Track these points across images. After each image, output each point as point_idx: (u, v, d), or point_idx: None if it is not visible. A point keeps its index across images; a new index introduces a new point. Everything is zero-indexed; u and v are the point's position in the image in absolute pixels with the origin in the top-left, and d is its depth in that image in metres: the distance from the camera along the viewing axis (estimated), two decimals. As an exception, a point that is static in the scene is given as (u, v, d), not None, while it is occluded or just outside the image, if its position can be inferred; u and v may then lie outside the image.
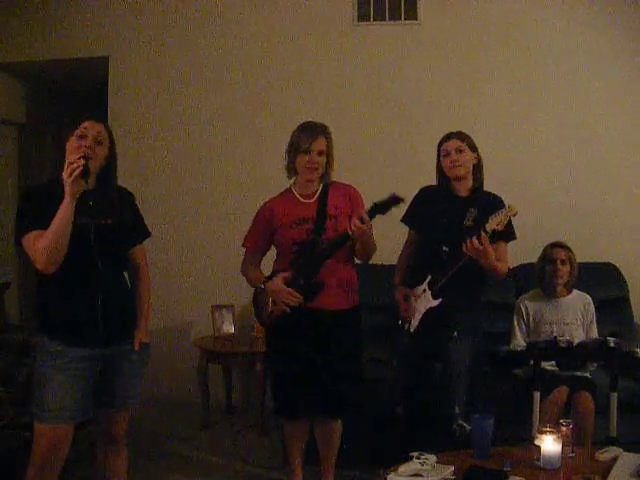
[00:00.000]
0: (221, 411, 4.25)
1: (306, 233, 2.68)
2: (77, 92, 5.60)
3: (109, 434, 2.38)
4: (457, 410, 2.72)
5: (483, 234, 2.54)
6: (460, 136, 2.81)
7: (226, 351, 4.03)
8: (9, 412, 2.80)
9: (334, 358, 2.68)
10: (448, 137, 2.82)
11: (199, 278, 4.52)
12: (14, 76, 5.12)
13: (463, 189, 2.83)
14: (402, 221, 2.93)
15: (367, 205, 2.63)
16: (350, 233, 2.53)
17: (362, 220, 2.50)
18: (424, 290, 2.77)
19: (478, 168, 2.84)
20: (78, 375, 2.17)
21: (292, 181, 2.83)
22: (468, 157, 2.78)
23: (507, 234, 2.74)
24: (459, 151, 2.77)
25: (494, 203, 2.76)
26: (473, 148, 2.81)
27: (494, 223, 2.54)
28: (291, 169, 2.76)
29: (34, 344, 3.05)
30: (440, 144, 2.85)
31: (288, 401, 2.78)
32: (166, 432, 3.87)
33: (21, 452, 2.64)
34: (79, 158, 2.05)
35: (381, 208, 2.53)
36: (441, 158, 2.83)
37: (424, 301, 2.76)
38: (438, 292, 2.72)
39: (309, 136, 2.67)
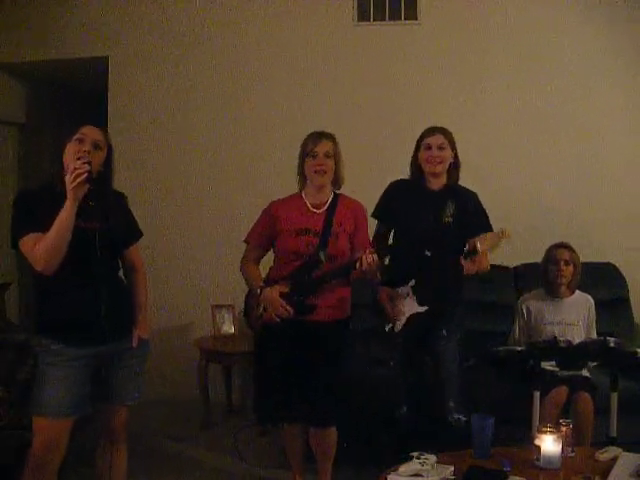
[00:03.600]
0: (221, 411, 4.25)
1: (306, 245, 2.66)
2: (77, 92, 5.60)
3: (107, 429, 2.41)
4: (451, 404, 2.74)
5: (480, 254, 2.54)
6: (444, 132, 2.80)
7: (226, 351, 4.03)
8: (9, 412, 2.80)
9: (320, 368, 2.67)
10: (432, 132, 2.80)
11: (199, 278, 4.52)
12: (14, 76, 5.12)
13: (436, 185, 2.83)
14: (372, 216, 2.90)
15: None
16: (357, 267, 2.52)
17: (372, 258, 2.48)
18: (408, 294, 2.74)
19: (454, 167, 2.84)
20: (75, 372, 2.20)
21: (303, 188, 2.81)
22: (448, 155, 2.78)
23: (483, 224, 2.78)
24: (441, 148, 2.77)
25: (469, 199, 2.77)
26: (453, 146, 2.81)
27: (487, 245, 2.51)
28: (301, 175, 2.76)
29: (34, 344, 3.07)
30: (422, 137, 2.83)
31: (270, 407, 2.79)
32: (166, 432, 3.87)
33: (21, 452, 2.65)
34: (84, 164, 2.07)
35: (391, 250, 2.58)
36: (421, 151, 2.82)
37: (409, 305, 2.74)
38: (423, 299, 2.71)
39: (315, 139, 2.69)
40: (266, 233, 2.80)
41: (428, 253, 2.64)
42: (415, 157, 2.85)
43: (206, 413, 4.03)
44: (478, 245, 2.50)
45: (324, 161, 2.67)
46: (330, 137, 2.72)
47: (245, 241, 2.88)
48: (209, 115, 4.54)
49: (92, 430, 2.50)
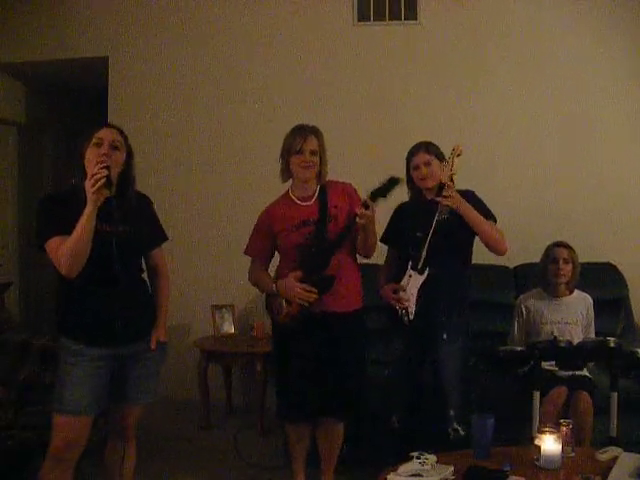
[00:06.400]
0: (221, 411, 4.25)
1: (306, 237, 2.67)
2: (77, 92, 5.60)
3: (120, 426, 2.44)
4: (452, 413, 2.73)
5: (446, 184, 2.66)
6: (428, 149, 2.86)
7: (226, 351, 4.03)
8: (9, 412, 2.80)
9: (341, 361, 2.68)
10: (417, 150, 2.87)
11: (199, 278, 4.52)
12: (14, 76, 5.12)
13: (432, 194, 2.88)
14: (381, 241, 2.94)
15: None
16: (357, 220, 2.54)
17: (366, 206, 2.52)
18: (410, 276, 2.78)
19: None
20: (94, 372, 2.23)
21: (289, 185, 2.83)
22: (436, 168, 2.83)
23: (485, 214, 2.80)
24: (428, 164, 2.83)
25: (465, 196, 2.79)
26: (441, 158, 2.85)
27: (448, 170, 2.70)
28: (285, 172, 2.77)
29: (35, 344, 3.07)
30: (410, 156, 2.89)
31: (293, 405, 2.77)
32: (166, 432, 3.88)
33: (21, 452, 2.65)
34: (102, 168, 2.08)
35: (382, 191, 2.58)
36: (411, 170, 2.89)
37: (413, 284, 2.77)
38: (423, 267, 2.74)
39: (301, 137, 2.69)
40: (265, 239, 2.81)
41: (419, 234, 2.75)
42: (408, 173, 2.92)
43: (206, 413, 4.03)
44: (440, 176, 2.73)
45: (310, 158, 2.70)
46: (314, 132, 2.73)
47: (245, 253, 2.88)
48: (209, 115, 4.54)
49: (99, 427, 2.51)
